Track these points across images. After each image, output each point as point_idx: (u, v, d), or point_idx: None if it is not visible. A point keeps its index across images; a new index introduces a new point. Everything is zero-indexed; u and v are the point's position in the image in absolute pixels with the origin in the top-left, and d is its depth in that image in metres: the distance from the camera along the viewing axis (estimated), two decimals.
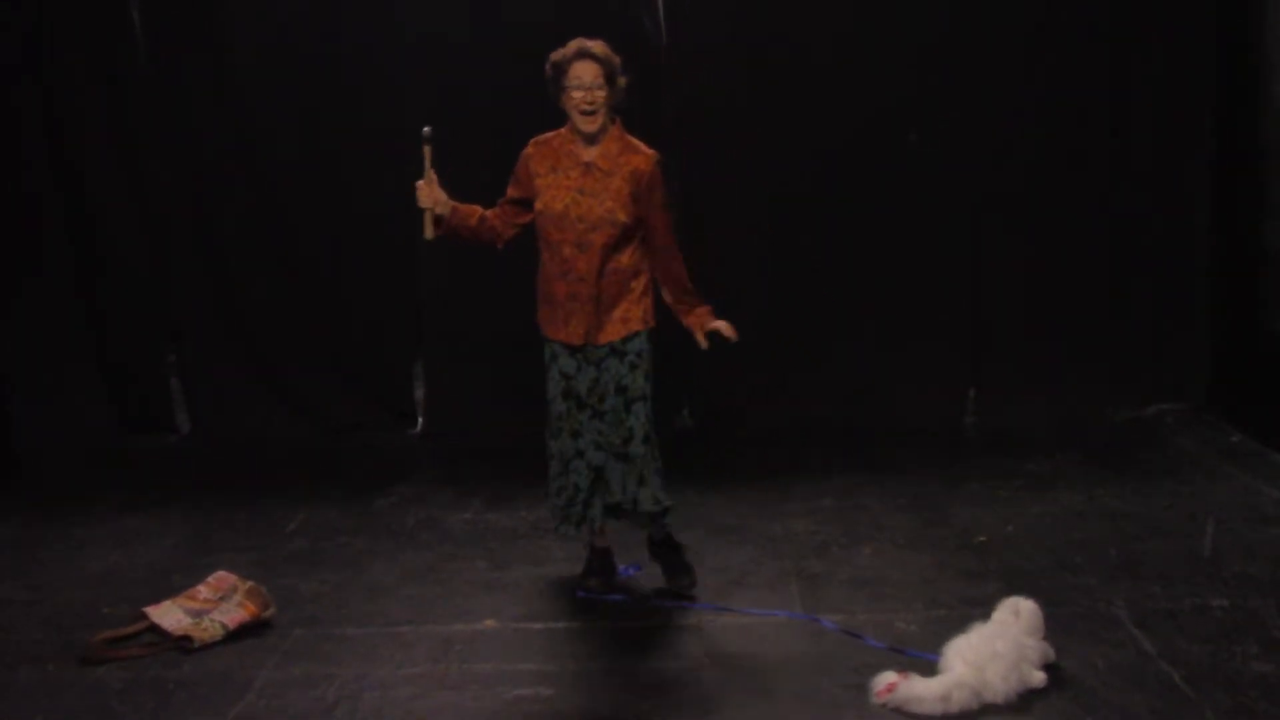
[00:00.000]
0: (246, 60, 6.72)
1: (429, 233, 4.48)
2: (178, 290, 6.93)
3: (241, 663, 4.21)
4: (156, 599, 4.53)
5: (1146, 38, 6.67)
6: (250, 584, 4.58)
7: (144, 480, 6.35)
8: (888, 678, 3.81)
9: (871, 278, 6.78)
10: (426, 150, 4.42)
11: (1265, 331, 6.31)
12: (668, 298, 4.55)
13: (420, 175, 4.44)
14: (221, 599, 4.49)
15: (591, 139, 4.44)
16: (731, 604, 4.54)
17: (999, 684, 3.77)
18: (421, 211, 4.44)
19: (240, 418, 6.93)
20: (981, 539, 5.17)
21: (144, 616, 4.43)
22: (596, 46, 4.42)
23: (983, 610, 4.05)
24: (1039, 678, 3.86)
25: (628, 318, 4.49)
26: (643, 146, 4.48)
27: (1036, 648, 3.91)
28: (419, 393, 7.08)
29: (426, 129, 4.46)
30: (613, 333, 4.48)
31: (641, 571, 4.83)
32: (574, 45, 4.44)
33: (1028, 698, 3.80)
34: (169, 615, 4.41)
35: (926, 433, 6.63)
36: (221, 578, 4.61)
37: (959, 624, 3.99)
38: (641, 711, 3.82)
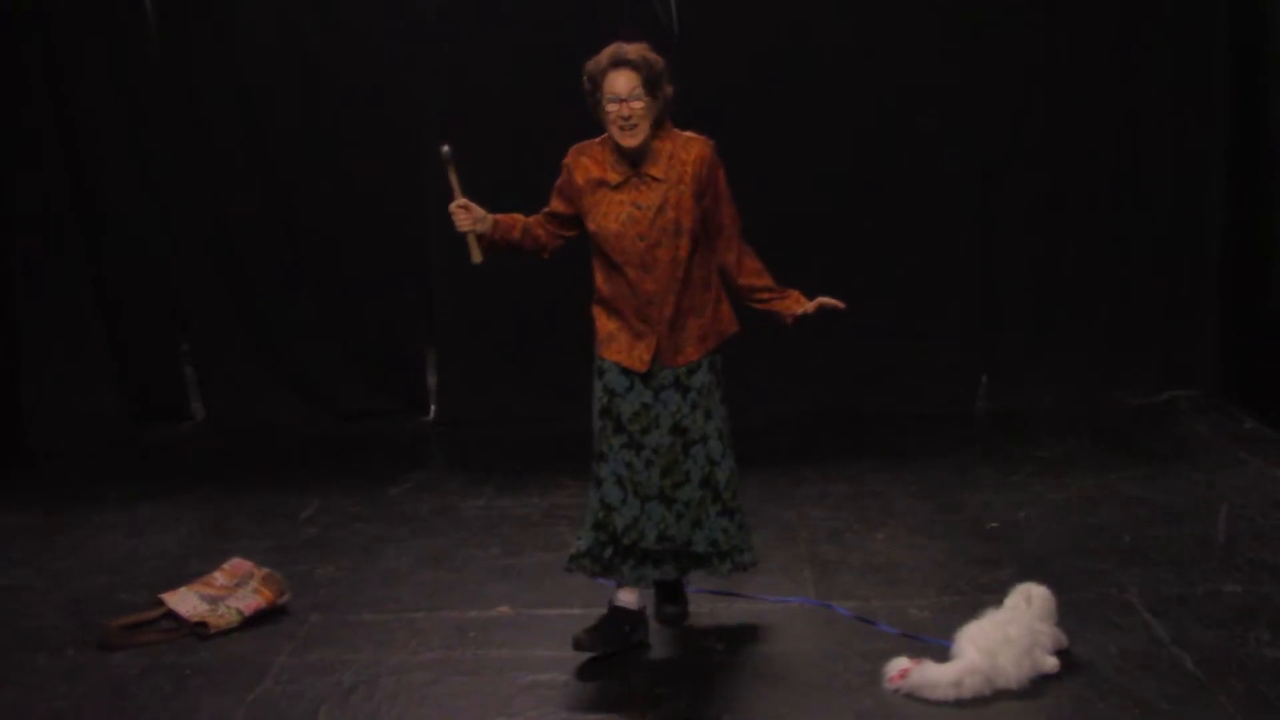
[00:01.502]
0: (257, 49, 6.74)
1: (476, 256, 4.04)
2: (191, 278, 6.96)
3: (258, 648, 4.24)
4: (172, 585, 4.56)
5: (1160, 24, 6.64)
6: (266, 570, 4.61)
7: (159, 468, 6.39)
8: (901, 663, 3.82)
9: (884, 263, 6.77)
10: (451, 171, 3.99)
11: (1278, 317, 6.29)
12: (744, 294, 4.11)
13: (437, 197, 4.20)
14: (237, 585, 4.52)
15: (636, 153, 3.95)
16: (744, 590, 4.55)
17: (1011, 670, 3.77)
18: (462, 235, 4.03)
19: (254, 405, 6.96)
20: (994, 525, 5.18)
21: (161, 603, 4.45)
22: (633, 51, 3.91)
23: (995, 596, 4.06)
24: (1052, 663, 3.87)
25: (705, 334, 4.03)
26: (696, 136, 4.01)
27: (1049, 633, 3.92)
28: (431, 380, 7.10)
29: (445, 148, 4.00)
30: (691, 353, 4.01)
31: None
32: (608, 53, 3.93)
33: (1040, 683, 3.81)
34: (185, 601, 4.44)
35: (939, 418, 6.64)
36: (237, 564, 4.64)
37: (972, 610, 3.99)
38: (655, 697, 3.83)
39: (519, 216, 4.14)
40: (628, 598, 4.11)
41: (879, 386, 6.77)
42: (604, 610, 4.14)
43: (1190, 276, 6.84)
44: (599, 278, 4.05)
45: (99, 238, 6.87)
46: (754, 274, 4.10)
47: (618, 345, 4.02)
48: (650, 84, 3.90)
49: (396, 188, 6.81)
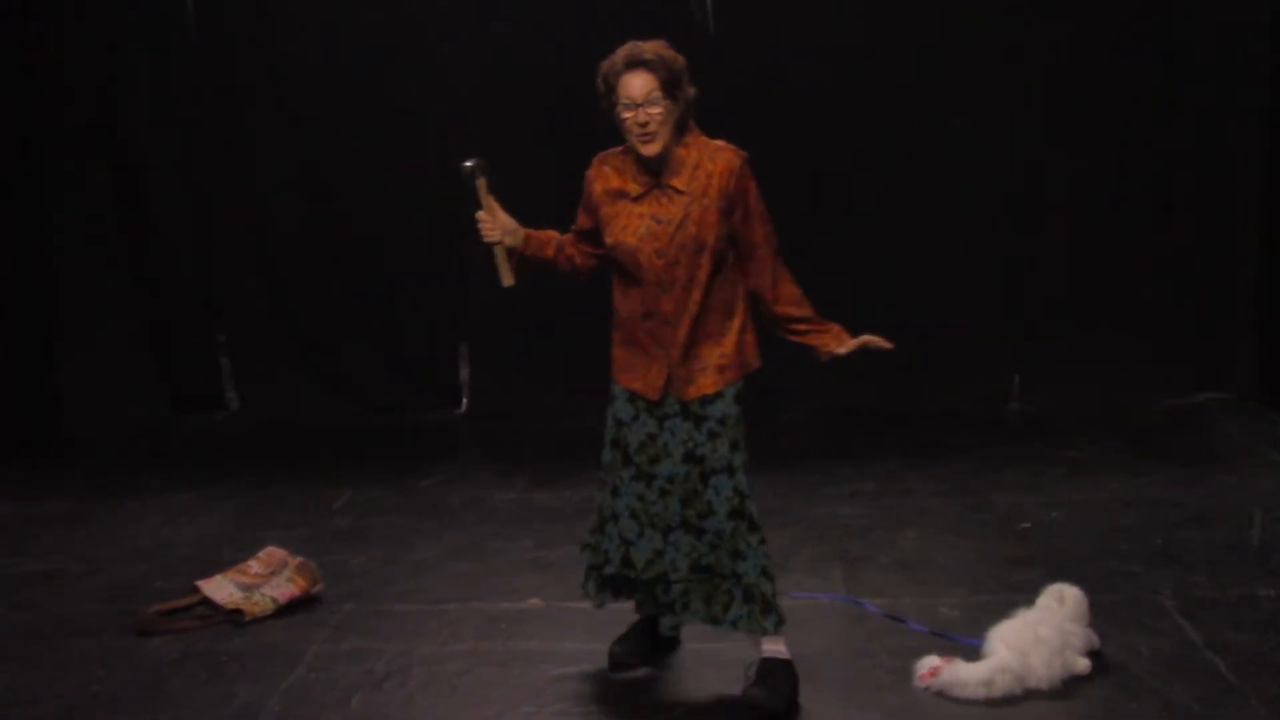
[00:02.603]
0: (293, 38, 6.79)
1: (507, 279, 3.76)
2: (228, 270, 7.03)
3: (292, 636, 4.29)
4: (207, 573, 4.61)
5: (1199, 22, 6.59)
6: (300, 559, 4.65)
7: (195, 457, 6.46)
8: (931, 662, 3.82)
9: (917, 262, 6.76)
10: (477, 184, 3.74)
11: None
12: (779, 324, 3.78)
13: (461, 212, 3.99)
14: (272, 574, 4.56)
15: (658, 162, 3.66)
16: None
17: (1042, 670, 3.77)
18: (490, 252, 3.76)
19: (288, 396, 7.02)
20: (1025, 525, 5.16)
21: (196, 590, 4.50)
22: (649, 50, 3.60)
23: (1026, 596, 4.05)
24: (1083, 664, 3.86)
25: (725, 366, 3.68)
26: (726, 146, 3.69)
27: (1081, 634, 3.91)
28: (464, 373, 7.14)
29: (466, 164, 3.73)
30: (706, 384, 3.67)
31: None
32: (623, 52, 3.62)
33: (1071, 684, 3.80)
34: (221, 589, 4.49)
35: (971, 418, 6.62)
36: (271, 553, 4.68)
37: (1002, 609, 3.98)
38: (683, 692, 3.85)
39: (554, 234, 3.88)
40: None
41: (911, 386, 6.75)
42: (633, 608, 4.06)
43: (1224, 279, 6.79)
44: (616, 295, 3.78)
45: (138, 229, 6.94)
46: (791, 302, 3.76)
47: (631, 371, 3.75)
48: (669, 85, 3.59)
49: (432, 182, 6.84)
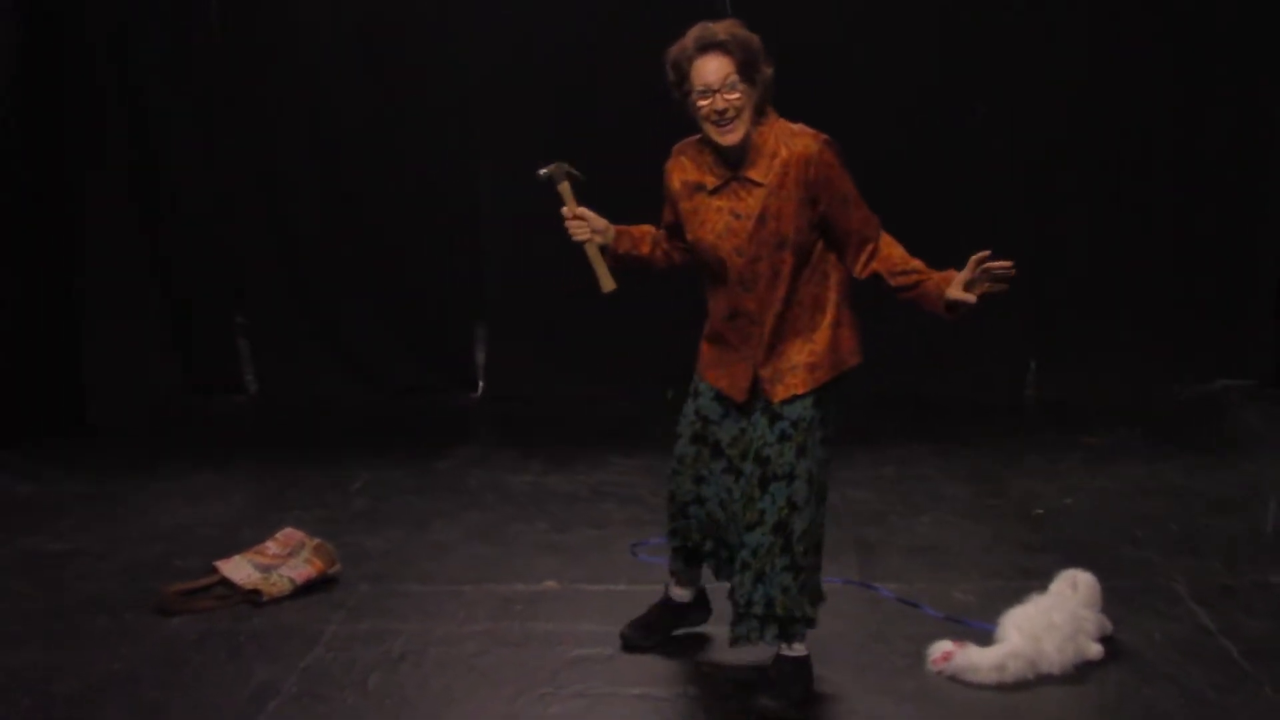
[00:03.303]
0: (314, 22, 6.80)
1: (607, 283, 3.61)
2: (247, 253, 7.06)
3: (309, 617, 4.32)
4: (226, 553, 4.64)
5: (1224, 3, 6.55)
6: (317, 541, 4.68)
7: (214, 439, 6.50)
8: (944, 646, 3.84)
9: (934, 247, 6.72)
10: (561, 187, 3.63)
11: None
12: (887, 282, 3.54)
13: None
14: (290, 554, 4.60)
15: (736, 152, 3.48)
16: None
17: (1055, 655, 3.78)
18: (584, 256, 3.61)
19: (306, 379, 7.06)
20: (1040, 511, 5.17)
21: (215, 570, 4.54)
22: (723, 30, 3.39)
23: (1040, 582, 4.06)
24: (1096, 650, 3.87)
25: (815, 365, 3.51)
26: (805, 130, 3.48)
27: (1094, 620, 3.92)
28: (480, 356, 7.17)
29: (541, 171, 3.64)
30: (796, 384, 3.50)
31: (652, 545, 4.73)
32: (693, 35, 3.41)
33: (1084, 669, 3.81)
34: (239, 569, 4.53)
35: (988, 404, 6.62)
36: (289, 534, 4.72)
37: (1016, 595, 4.00)
38: (697, 674, 3.87)
39: (649, 229, 3.74)
40: (678, 590, 4.00)
41: (928, 371, 6.75)
42: (648, 583, 4.14)
43: (1244, 266, 6.75)
44: (706, 288, 3.64)
45: (159, 213, 6.97)
46: (896, 264, 3.50)
47: (717, 369, 3.62)
48: (747, 68, 3.38)
49: (450, 165, 6.87)
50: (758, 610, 3.57)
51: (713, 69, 3.38)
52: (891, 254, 3.51)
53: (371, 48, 6.80)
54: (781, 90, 6.48)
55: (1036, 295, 6.84)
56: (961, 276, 3.40)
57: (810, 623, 3.65)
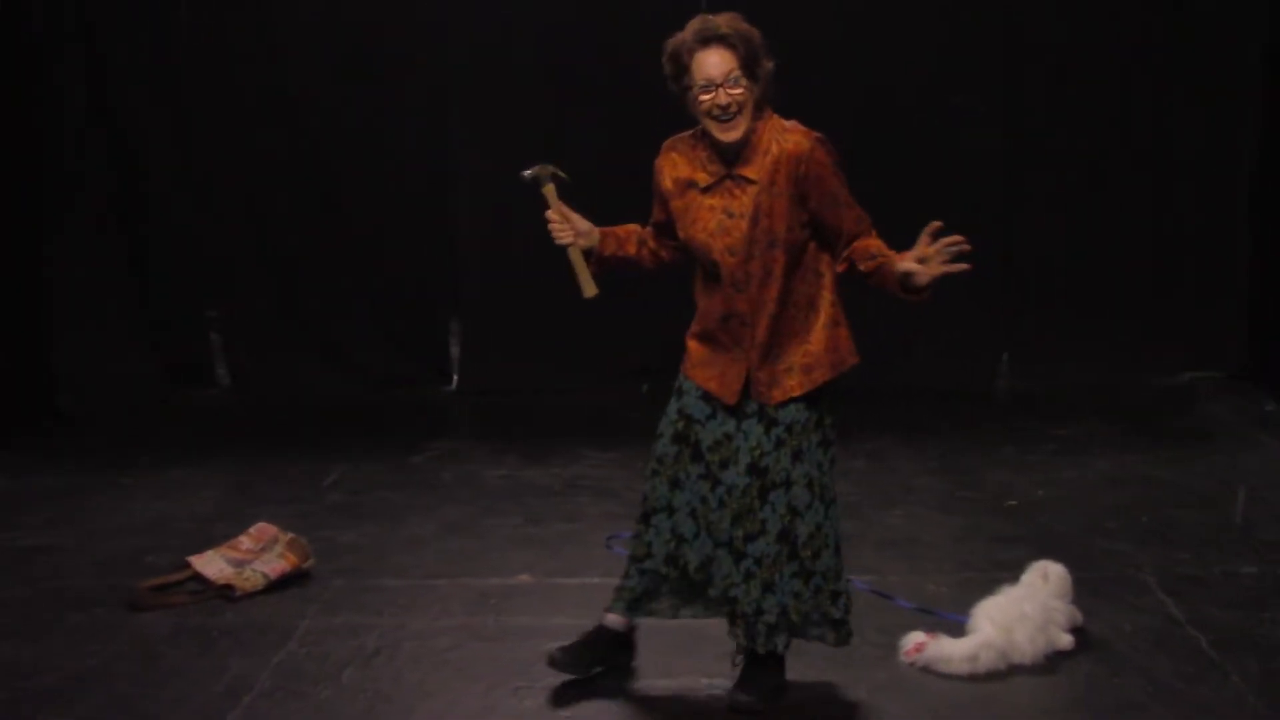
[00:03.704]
0: (287, 12, 6.77)
1: (589, 289, 3.55)
2: (219, 245, 7.02)
3: (283, 612, 4.31)
4: (200, 548, 4.63)
5: (1194, 3, 6.60)
6: (291, 535, 4.67)
7: (187, 432, 6.48)
8: (916, 638, 3.86)
9: (907, 238, 6.75)
10: (544, 189, 3.55)
11: None
12: (856, 269, 3.45)
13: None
14: (263, 549, 4.59)
15: (735, 148, 3.41)
16: None
17: (1026, 646, 3.81)
18: (566, 260, 3.53)
19: (279, 372, 7.04)
20: (1012, 503, 5.20)
21: (188, 565, 4.53)
22: (725, 23, 3.33)
23: (1012, 573, 4.08)
24: (1066, 640, 3.90)
25: (811, 366, 3.44)
26: (798, 127, 3.42)
27: (1064, 611, 3.95)
28: (455, 349, 7.15)
29: (525, 173, 3.57)
30: (793, 386, 3.43)
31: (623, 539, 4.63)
32: (693, 28, 3.34)
33: (1055, 660, 3.84)
34: (212, 564, 4.51)
35: (960, 396, 6.65)
36: (263, 529, 4.70)
37: (988, 586, 4.03)
38: (671, 669, 3.88)
39: (634, 228, 3.65)
40: (616, 619, 3.74)
41: (900, 363, 6.78)
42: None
43: (1214, 260, 6.81)
44: (697, 286, 3.56)
45: (130, 202, 6.93)
46: (863, 250, 3.41)
47: (707, 369, 3.51)
48: (749, 63, 3.31)
49: (425, 158, 6.85)
50: (769, 619, 3.50)
51: (715, 63, 3.31)
52: (868, 244, 3.44)
53: (347, 41, 6.77)
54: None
55: (1008, 287, 6.88)
56: (915, 251, 3.32)
57: (838, 625, 3.58)
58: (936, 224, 3.29)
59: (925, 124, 6.66)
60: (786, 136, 3.39)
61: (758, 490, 3.47)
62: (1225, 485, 5.31)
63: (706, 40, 3.32)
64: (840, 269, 3.50)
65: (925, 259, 3.30)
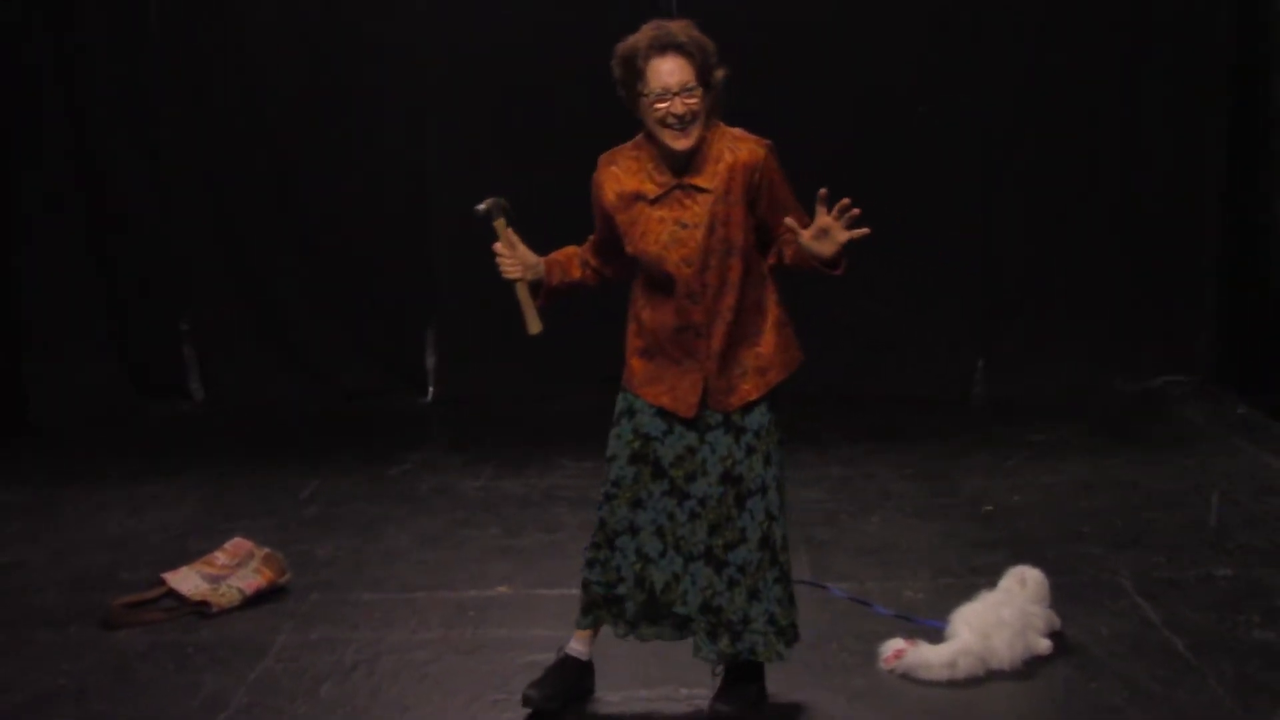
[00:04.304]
0: (258, 22, 6.76)
1: (533, 326, 3.52)
2: (191, 257, 6.99)
3: (259, 627, 4.28)
4: (173, 564, 4.59)
5: (1163, 9, 6.65)
6: (266, 550, 4.64)
7: (160, 445, 6.43)
8: (895, 644, 3.87)
9: (881, 247, 6.76)
10: (496, 224, 3.47)
11: (1274, 304, 6.33)
12: (784, 253, 3.44)
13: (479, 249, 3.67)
14: (238, 565, 4.55)
15: (686, 157, 3.34)
16: None
17: (1004, 651, 3.81)
18: (514, 295, 3.49)
19: (253, 384, 7.00)
20: (989, 508, 5.22)
21: (162, 582, 4.48)
22: (680, 31, 3.26)
23: (990, 579, 4.10)
24: (1044, 645, 3.91)
25: (764, 368, 3.43)
26: (748, 136, 3.40)
27: (1042, 616, 3.96)
28: (430, 360, 7.13)
29: (479, 207, 3.47)
30: (748, 390, 3.41)
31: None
32: (647, 34, 3.27)
33: (1033, 665, 3.85)
34: (187, 581, 4.47)
35: (935, 403, 6.68)
36: (238, 544, 4.67)
37: (966, 592, 4.03)
38: (650, 678, 3.87)
39: (574, 249, 3.58)
40: (580, 647, 3.69)
41: (876, 370, 6.81)
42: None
43: (1185, 265, 6.87)
44: (639, 300, 3.48)
45: (101, 213, 6.89)
46: (786, 239, 3.41)
47: (657, 385, 3.44)
48: (704, 72, 3.26)
49: (398, 166, 6.84)
50: (758, 626, 3.48)
51: (672, 70, 3.25)
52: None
53: (318, 48, 6.76)
54: (734, 86, 6.54)
55: (983, 294, 6.92)
56: (817, 223, 3.30)
57: (796, 629, 3.59)
58: (823, 191, 3.29)
59: (902, 134, 6.68)
60: (739, 145, 3.37)
61: (734, 498, 3.45)
62: (1199, 488, 5.34)
63: (664, 48, 3.26)
64: (771, 262, 3.49)
65: (828, 229, 3.29)
